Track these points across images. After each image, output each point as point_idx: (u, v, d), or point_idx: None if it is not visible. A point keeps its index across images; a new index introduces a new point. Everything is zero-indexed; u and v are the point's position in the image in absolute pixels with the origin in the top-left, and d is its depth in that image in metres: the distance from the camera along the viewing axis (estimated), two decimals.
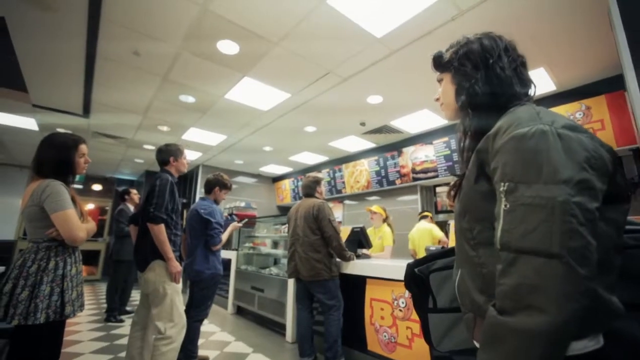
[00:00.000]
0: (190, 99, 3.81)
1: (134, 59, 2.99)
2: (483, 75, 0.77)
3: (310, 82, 3.35)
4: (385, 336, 2.48)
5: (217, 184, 2.80)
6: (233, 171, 7.33)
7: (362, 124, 4.36)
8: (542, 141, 0.57)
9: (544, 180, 0.54)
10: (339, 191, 6.15)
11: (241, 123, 4.53)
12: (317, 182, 2.99)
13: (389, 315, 2.47)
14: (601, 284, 0.55)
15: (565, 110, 3.40)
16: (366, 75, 3.18)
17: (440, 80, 0.89)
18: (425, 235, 3.90)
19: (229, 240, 5.35)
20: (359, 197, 6.10)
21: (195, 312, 2.51)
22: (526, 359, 0.50)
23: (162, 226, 1.99)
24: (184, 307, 2.07)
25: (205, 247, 2.62)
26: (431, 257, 0.95)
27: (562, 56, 2.86)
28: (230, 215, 4.82)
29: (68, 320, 1.59)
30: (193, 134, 5.01)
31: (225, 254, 4.79)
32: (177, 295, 2.03)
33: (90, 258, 7.99)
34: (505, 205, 0.58)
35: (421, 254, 2.33)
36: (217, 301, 5.07)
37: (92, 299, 5.45)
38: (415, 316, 2.29)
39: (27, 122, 4.62)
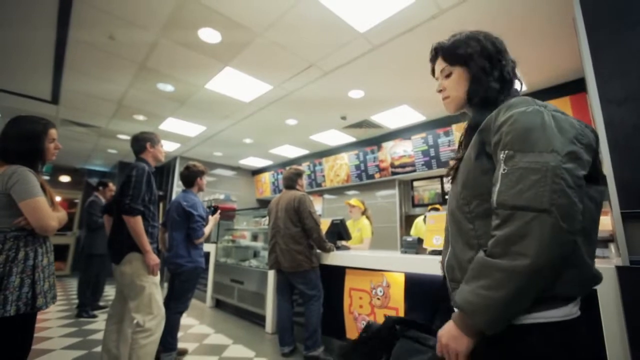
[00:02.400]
0: (169, 88, 3.70)
1: (109, 44, 2.87)
2: (498, 73, 0.84)
3: (292, 74, 3.34)
4: (363, 324, 2.56)
5: (197, 174, 2.77)
6: (212, 163, 7.20)
7: (343, 118, 4.41)
8: (538, 118, 0.67)
9: (539, 149, 0.64)
10: (319, 184, 6.19)
11: (222, 114, 4.46)
12: (299, 174, 3.02)
13: (367, 304, 2.55)
14: (585, 250, 0.65)
15: None
16: (348, 69, 3.21)
17: (448, 74, 0.91)
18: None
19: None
20: (338, 190, 6.17)
21: (176, 305, 2.49)
22: (503, 288, 0.61)
23: (139, 218, 1.94)
24: (162, 299, 2.05)
25: (186, 240, 2.59)
26: (412, 322, 1.01)
27: (531, 58, 3.01)
28: (210, 207, 4.75)
29: (36, 317, 1.53)
30: (171, 124, 4.88)
31: (204, 247, 4.71)
32: (155, 288, 2.00)
33: (58, 253, 7.58)
34: (504, 170, 0.67)
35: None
36: (196, 295, 4.99)
37: (62, 295, 5.23)
38: (392, 303, 2.38)
39: None
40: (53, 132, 1.66)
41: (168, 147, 5.97)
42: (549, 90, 3.53)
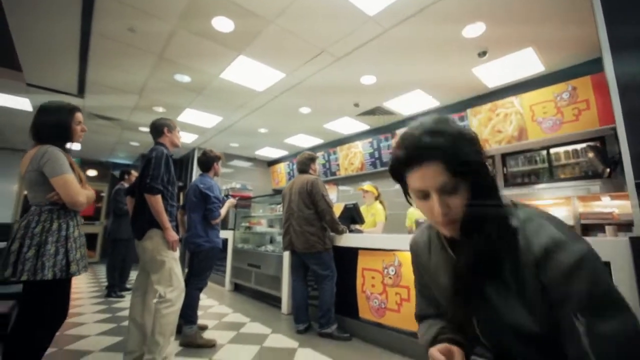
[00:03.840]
0: (185, 79, 3.83)
1: (130, 36, 3.00)
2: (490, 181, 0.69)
3: (304, 61, 3.39)
4: (375, 302, 2.61)
5: (214, 159, 2.88)
6: (229, 154, 7.38)
7: (356, 105, 4.42)
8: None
9: None
10: (334, 173, 6.24)
11: (237, 104, 4.56)
12: (312, 159, 3.08)
13: (380, 283, 2.60)
14: None
15: (552, 92, 3.48)
16: (359, 54, 3.22)
17: (449, 191, 0.64)
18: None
19: (225, 220, 5.46)
20: (353, 178, 6.20)
21: (195, 281, 2.62)
22: None
23: (159, 197, 2.06)
24: (182, 273, 2.17)
25: (204, 220, 2.71)
26: None
27: (550, 37, 2.93)
28: (227, 196, 4.90)
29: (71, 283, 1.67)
30: (189, 116, 5.04)
31: (222, 233, 4.88)
32: (175, 262, 2.12)
33: (87, 241, 8.05)
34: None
35: None
36: (215, 279, 5.20)
37: (93, 279, 5.56)
38: (404, 282, 2.42)
39: (21, 103, 4.61)
40: (79, 115, 1.79)
41: (186, 138, 6.17)
42: (569, 70, 3.42)
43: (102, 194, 8.57)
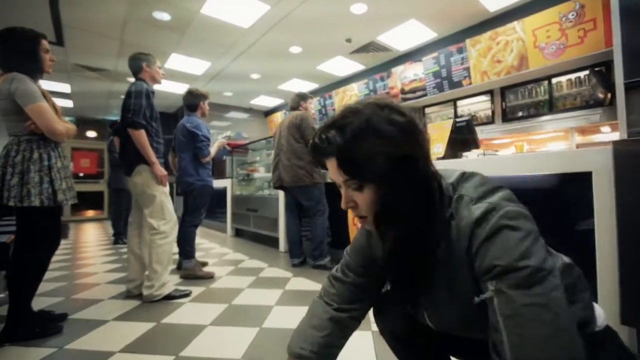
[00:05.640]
0: (165, 16, 3.61)
1: None
2: None
3: None
4: None
5: (200, 98, 2.80)
6: (223, 105, 7.22)
7: (348, 40, 4.17)
8: None
9: None
10: None
11: (224, 45, 4.34)
12: (302, 96, 3.00)
13: None
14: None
15: (558, 12, 3.23)
16: None
17: (354, 187, 0.62)
18: None
19: (223, 170, 5.50)
20: None
21: (190, 218, 2.70)
22: None
23: (143, 132, 2.04)
24: (173, 207, 2.23)
25: (194, 159, 2.71)
26: None
27: None
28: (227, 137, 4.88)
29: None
30: (176, 62, 4.84)
31: (220, 182, 4.96)
32: (165, 196, 2.16)
33: (95, 200, 8.31)
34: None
35: None
36: (217, 226, 5.39)
37: (102, 232, 5.78)
38: None
39: None
40: (45, 43, 1.70)
41: (175, 88, 5.99)
42: None
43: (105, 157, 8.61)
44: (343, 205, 0.63)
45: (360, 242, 0.80)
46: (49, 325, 1.63)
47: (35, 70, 1.65)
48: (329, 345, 0.74)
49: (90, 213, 8.40)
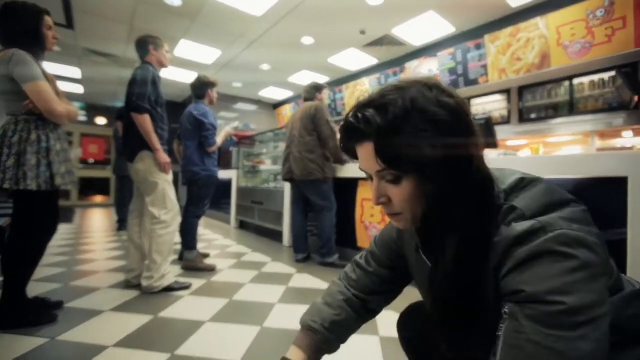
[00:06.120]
0: (176, 2, 3.52)
1: None
2: None
3: None
4: (374, 232, 2.60)
5: (208, 85, 2.72)
6: (232, 97, 7.14)
7: (362, 32, 4.05)
8: None
9: None
10: (339, 113, 6.00)
11: (235, 33, 4.25)
12: (317, 87, 2.89)
13: (379, 213, 2.56)
14: None
15: (585, 8, 3.07)
16: None
17: (390, 180, 0.52)
18: None
19: (229, 161, 5.44)
20: None
21: (193, 209, 2.64)
22: None
23: (147, 116, 1.97)
24: (176, 196, 2.16)
25: (200, 148, 2.64)
26: None
27: None
28: (235, 128, 4.81)
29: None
30: (185, 49, 4.76)
31: (225, 173, 4.90)
32: (168, 185, 2.09)
33: (102, 187, 8.33)
34: None
35: None
36: (221, 217, 5.34)
37: (108, 219, 5.77)
38: None
39: None
40: (49, 19, 1.63)
41: (186, 77, 5.92)
42: None
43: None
44: (375, 202, 0.53)
45: (389, 234, 0.75)
46: (43, 313, 1.58)
47: (37, 47, 1.58)
48: (341, 325, 0.72)
49: (98, 199, 8.43)
